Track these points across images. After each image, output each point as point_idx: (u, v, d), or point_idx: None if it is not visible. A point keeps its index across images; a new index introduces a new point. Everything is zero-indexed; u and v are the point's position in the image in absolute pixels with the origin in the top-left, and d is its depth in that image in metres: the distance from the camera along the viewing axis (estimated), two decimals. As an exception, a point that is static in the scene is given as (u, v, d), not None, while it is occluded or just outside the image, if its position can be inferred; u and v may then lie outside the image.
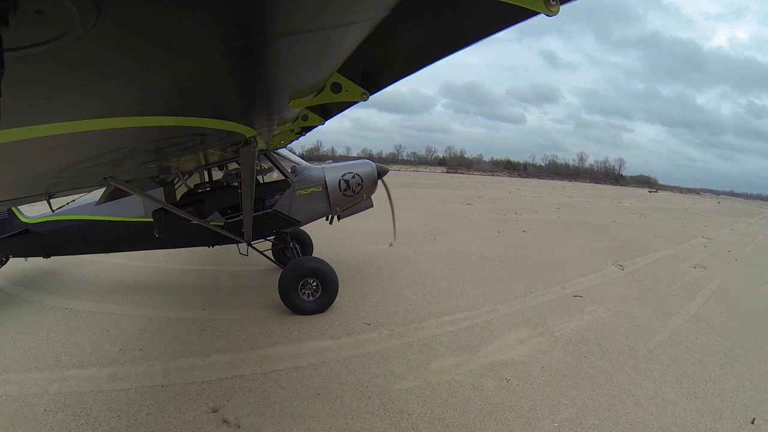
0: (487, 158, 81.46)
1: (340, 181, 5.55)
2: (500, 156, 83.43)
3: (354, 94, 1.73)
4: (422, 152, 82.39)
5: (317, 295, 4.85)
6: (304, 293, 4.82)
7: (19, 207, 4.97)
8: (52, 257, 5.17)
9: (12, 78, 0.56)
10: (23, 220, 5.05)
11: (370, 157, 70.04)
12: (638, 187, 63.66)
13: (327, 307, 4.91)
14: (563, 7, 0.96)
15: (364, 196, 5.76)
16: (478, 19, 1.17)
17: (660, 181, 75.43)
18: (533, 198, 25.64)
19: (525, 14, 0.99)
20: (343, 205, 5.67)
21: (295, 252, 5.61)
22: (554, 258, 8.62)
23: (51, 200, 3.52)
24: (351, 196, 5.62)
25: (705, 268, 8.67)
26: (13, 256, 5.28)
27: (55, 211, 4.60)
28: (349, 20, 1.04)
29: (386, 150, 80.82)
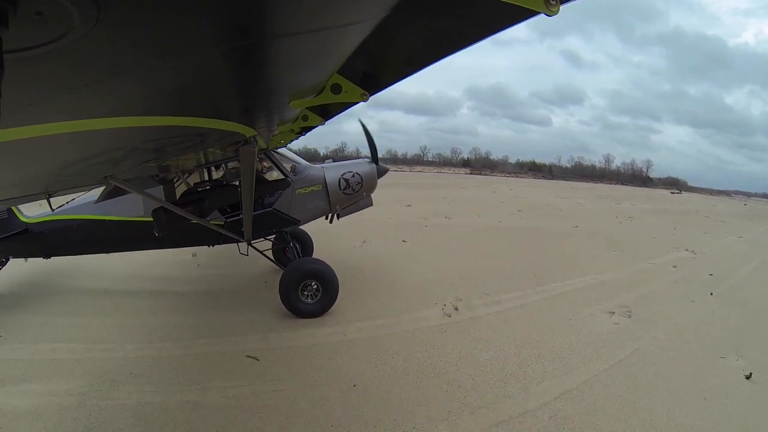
0: (513, 160, 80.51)
1: (340, 179, 5.57)
2: (528, 158, 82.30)
3: (354, 94, 1.73)
4: (447, 154, 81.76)
5: (317, 297, 4.84)
6: (305, 295, 4.81)
7: (18, 207, 4.96)
8: (52, 258, 5.17)
9: (12, 78, 0.56)
10: (23, 219, 5.04)
11: (395, 159, 70.80)
12: (666, 188, 61.64)
13: (327, 309, 4.88)
14: (563, 7, 0.96)
15: (364, 194, 5.78)
16: (478, 19, 1.17)
17: (690, 183, 72.59)
18: (512, 199, 22.34)
19: (525, 14, 0.99)
20: (342, 203, 5.69)
21: (295, 252, 5.61)
22: (371, 285, 5.94)
23: (51, 199, 3.52)
24: (351, 194, 5.64)
25: (630, 316, 5.20)
26: (13, 257, 5.27)
27: (55, 211, 4.59)
28: (349, 20, 1.05)
29: (411, 151, 79.97)
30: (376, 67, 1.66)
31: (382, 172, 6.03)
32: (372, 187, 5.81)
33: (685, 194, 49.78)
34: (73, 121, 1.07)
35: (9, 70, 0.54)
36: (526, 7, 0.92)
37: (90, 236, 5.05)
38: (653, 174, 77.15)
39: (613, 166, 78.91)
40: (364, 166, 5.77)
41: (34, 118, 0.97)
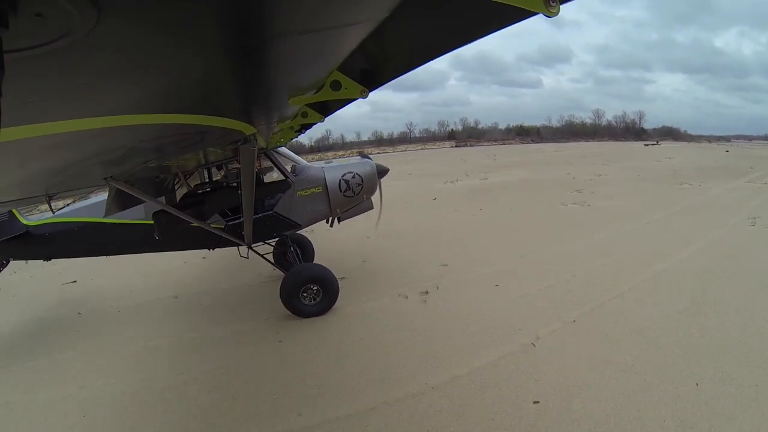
0: (503, 126, 77.30)
1: (340, 181, 5.49)
2: (522, 122, 79.87)
3: (353, 91, 1.73)
4: (434, 128, 79.40)
5: (318, 300, 4.87)
6: (305, 297, 4.84)
7: (19, 209, 4.96)
8: (52, 260, 5.18)
9: (12, 79, 0.56)
10: (24, 222, 5.04)
11: (381, 139, 69.40)
12: (660, 139, 55.69)
13: (327, 310, 4.94)
14: (563, 6, 0.96)
15: (365, 197, 5.71)
16: (477, 19, 1.17)
17: (690, 132, 68.13)
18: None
19: (524, 14, 0.99)
20: (343, 206, 5.61)
21: (296, 256, 5.59)
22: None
23: (51, 202, 3.52)
24: (351, 197, 5.55)
25: None
26: (14, 259, 5.28)
27: (56, 213, 4.59)
28: (349, 21, 1.04)
29: (398, 129, 78.33)
30: (376, 65, 1.66)
31: (382, 173, 5.96)
32: (373, 188, 5.72)
33: (665, 145, 42.73)
34: (74, 120, 1.07)
35: (9, 71, 0.53)
36: (526, 8, 0.92)
37: (91, 239, 5.06)
38: (648, 125, 72.94)
39: (604, 120, 74.52)
40: (364, 167, 5.67)
41: (35, 118, 0.97)
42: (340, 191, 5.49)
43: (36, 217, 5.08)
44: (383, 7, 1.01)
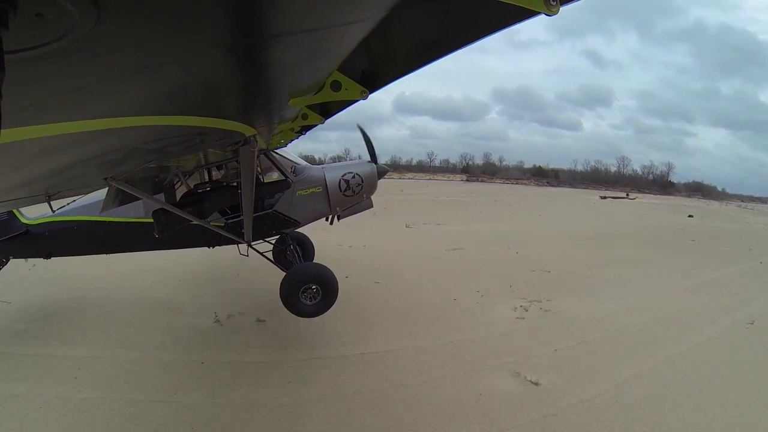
0: (529, 165, 77.06)
1: (340, 181, 5.54)
2: (560, 164, 79.54)
3: (353, 92, 1.73)
4: (455, 159, 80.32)
5: (317, 299, 4.85)
6: (305, 296, 4.81)
7: (19, 208, 4.96)
8: (52, 258, 5.18)
9: (13, 80, 0.56)
10: (23, 221, 5.04)
11: (397, 164, 69.33)
12: (689, 194, 55.20)
13: (326, 310, 4.91)
14: (564, 8, 0.97)
15: (364, 196, 5.75)
16: (478, 19, 1.17)
17: (728, 190, 66.70)
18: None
19: (525, 14, 1.00)
20: (343, 205, 5.65)
21: (296, 255, 5.59)
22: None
23: (51, 201, 3.52)
24: (351, 196, 5.60)
25: None
26: (14, 258, 5.28)
27: (56, 212, 4.60)
28: (348, 20, 1.04)
29: (417, 158, 79.27)
30: (376, 65, 1.66)
31: (382, 173, 5.98)
32: (372, 188, 5.76)
33: (649, 201, 31.96)
34: (74, 121, 1.07)
35: (10, 72, 0.53)
36: (527, 7, 0.92)
37: (90, 237, 5.06)
38: (680, 178, 70.86)
39: (629, 169, 72.32)
40: (364, 167, 5.72)
41: (36, 119, 0.97)
42: (340, 190, 5.53)
43: (35, 215, 5.07)
44: (382, 6, 1.01)
